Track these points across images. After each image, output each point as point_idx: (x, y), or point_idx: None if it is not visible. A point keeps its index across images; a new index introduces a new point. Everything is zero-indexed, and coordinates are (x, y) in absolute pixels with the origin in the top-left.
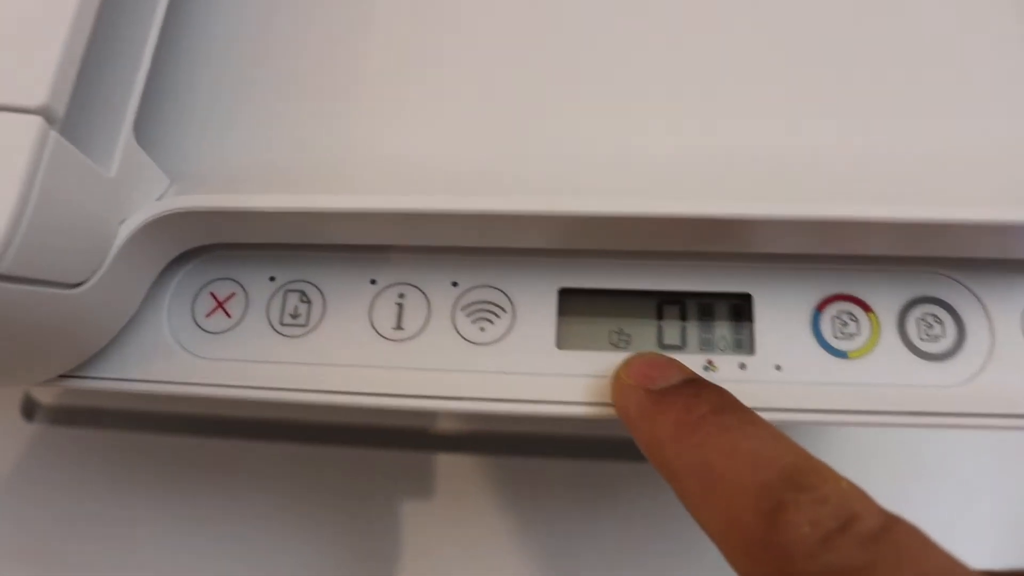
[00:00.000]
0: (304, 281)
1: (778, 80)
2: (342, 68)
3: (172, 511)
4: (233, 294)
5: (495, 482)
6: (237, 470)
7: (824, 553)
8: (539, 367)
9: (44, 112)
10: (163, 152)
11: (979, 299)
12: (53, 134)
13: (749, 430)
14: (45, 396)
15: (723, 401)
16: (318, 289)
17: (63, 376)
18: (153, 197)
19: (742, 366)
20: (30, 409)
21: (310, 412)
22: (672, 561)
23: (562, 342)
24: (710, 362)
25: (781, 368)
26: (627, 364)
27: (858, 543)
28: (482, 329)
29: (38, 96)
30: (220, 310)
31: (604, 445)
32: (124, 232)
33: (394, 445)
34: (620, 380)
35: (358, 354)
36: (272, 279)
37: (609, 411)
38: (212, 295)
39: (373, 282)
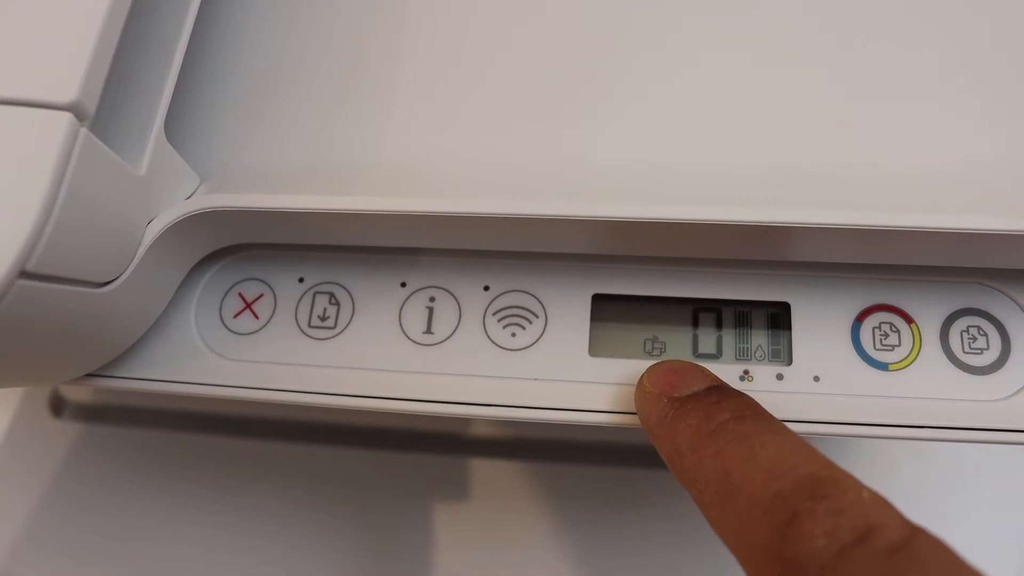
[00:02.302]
0: (333, 283)
1: (819, 88)
2: (374, 69)
3: (198, 509)
4: (261, 295)
5: (521, 487)
6: (264, 470)
7: (839, 566)
8: (571, 374)
9: (74, 109)
10: (194, 151)
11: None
12: (83, 131)
13: (768, 438)
14: (73, 393)
15: (745, 408)
16: (347, 291)
17: (90, 375)
18: (183, 196)
19: (779, 376)
20: (58, 405)
21: (339, 414)
22: (701, 569)
23: (595, 349)
24: (746, 372)
25: (819, 379)
26: (651, 371)
27: (876, 556)
28: (513, 335)
29: (68, 92)
30: (248, 311)
31: (633, 452)
32: (153, 231)
33: (422, 448)
34: (643, 388)
35: (387, 358)
36: (301, 280)
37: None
38: (240, 296)
39: (403, 285)
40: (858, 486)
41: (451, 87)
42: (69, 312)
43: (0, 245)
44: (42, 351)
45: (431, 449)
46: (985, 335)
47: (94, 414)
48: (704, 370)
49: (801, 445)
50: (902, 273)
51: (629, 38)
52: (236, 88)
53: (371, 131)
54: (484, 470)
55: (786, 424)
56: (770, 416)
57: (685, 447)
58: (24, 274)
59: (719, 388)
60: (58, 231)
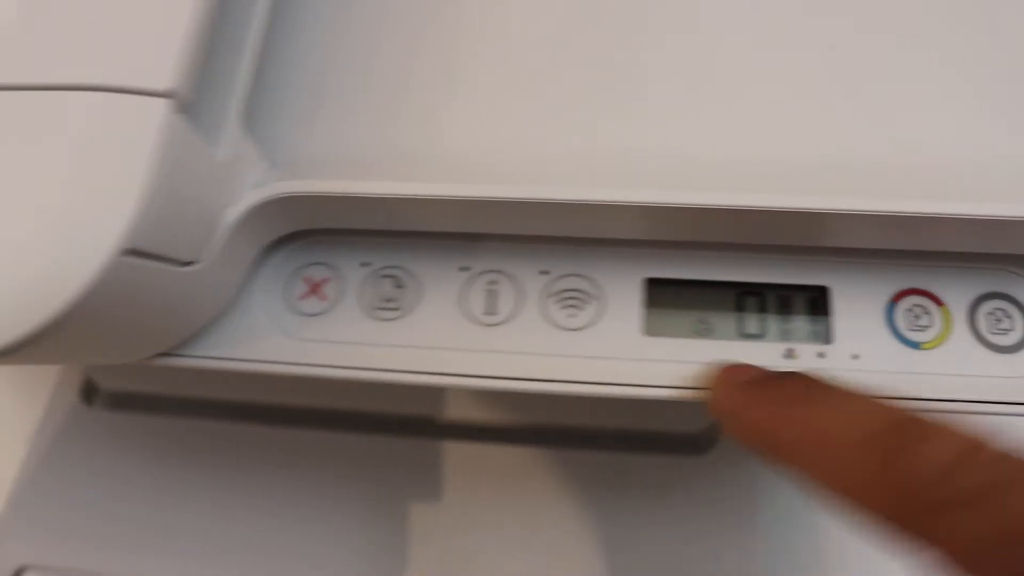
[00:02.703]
0: (397, 267)
1: (860, 78)
2: (437, 60)
3: (221, 495)
4: (327, 278)
5: (528, 472)
6: (289, 457)
7: (945, 480)
8: (627, 352)
9: (171, 95)
10: (258, 138)
11: None
12: (178, 117)
13: (845, 395)
14: (105, 381)
15: (814, 379)
16: (411, 275)
17: (163, 354)
18: (254, 182)
19: (821, 355)
20: (89, 393)
21: (366, 403)
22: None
23: (648, 329)
24: (790, 350)
25: (858, 357)
26: (715, 370)
27: (978, 466)
28: (571, 316)
29: (166, 80)
30: (314, 294)
31: (634, 438)
32: (233, 213)
33: (443, 435)
34: (712, 382)
35: (451, 337)
36: (365, 264)
37: (693, 394)
38: (307, 279)
39: (465, 269)
40: (938, 421)
41: (513, 77)
42: (157, 289)
43: (106, 224)
44: (128, 327)
45: (459, 437)
46: (1010, 317)
47: (123, 402)
48: (763, 367)
49: (876, 398)
50: (933, 259)
51: (683, 28)
52: (298, 77)
53: (433, 120)
54: (498, 456)
55: None
56: (838, 382)
57: (767, 423)
58: (125, 251)
59: (782, 372)
60: (155, 212)
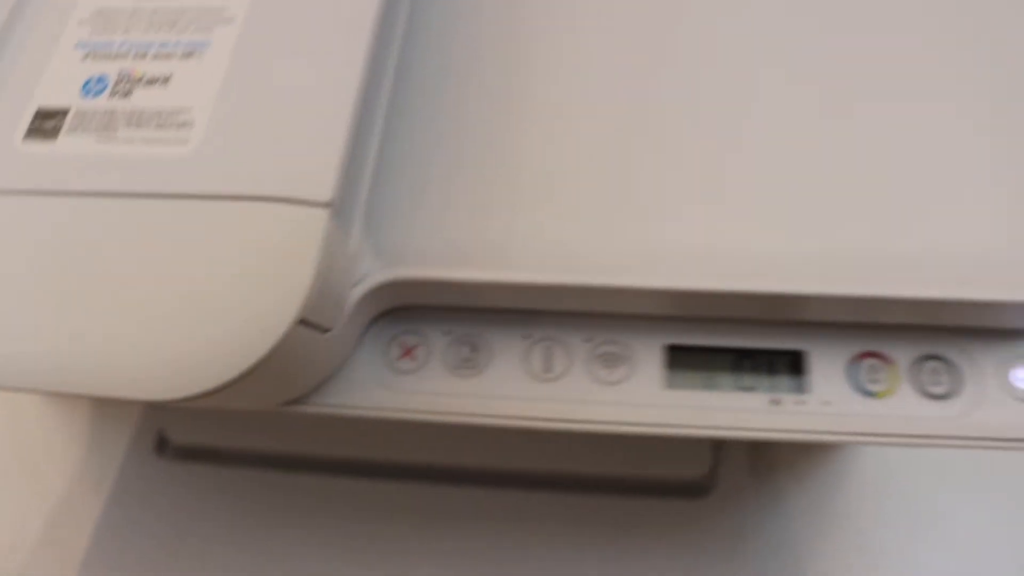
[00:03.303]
0: (473, 335)
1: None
2: (493, 167)
3: (276, 538)
4: (418, 344)
5: (532, 517)
6: (347, 506)
7: None
8: (652, 402)
9: (329, 205)
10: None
11: (971, 356)
12: (332, 222)
13: None
14: (176, 435)
15: None
16: (484, 341)
17: (289, 403)
18: (365, 267)
19: (799, 403)
20: (162, 446)
21: (420, 453)
22: None
23: (668, 384)
24: (775, 400)
25: (828, 404)
26: None
27: None
28: (609, 373)
29: (328, 193)
30: (408, 355)
31: (631, 483)
32: (359, 291)
33: (464, 482)
34: None
35: (517, 390)
36: (447, 333)
37: (702, 432)
38: (402, 344)
39: (527, 337)
40: None
41: (564, 178)
42: (304, 350)
43: (287, 301)
44: (279, 379)
45: (498, 484)
46: (944, 373)
47: (192, 454)
48: None
49: None
50: (885, 328)
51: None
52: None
53: (497, 218)
54: (502, 501)
55: (808, 434)
56: None
57: None
58: (299, 320)
59: None
60: (316, 292)
